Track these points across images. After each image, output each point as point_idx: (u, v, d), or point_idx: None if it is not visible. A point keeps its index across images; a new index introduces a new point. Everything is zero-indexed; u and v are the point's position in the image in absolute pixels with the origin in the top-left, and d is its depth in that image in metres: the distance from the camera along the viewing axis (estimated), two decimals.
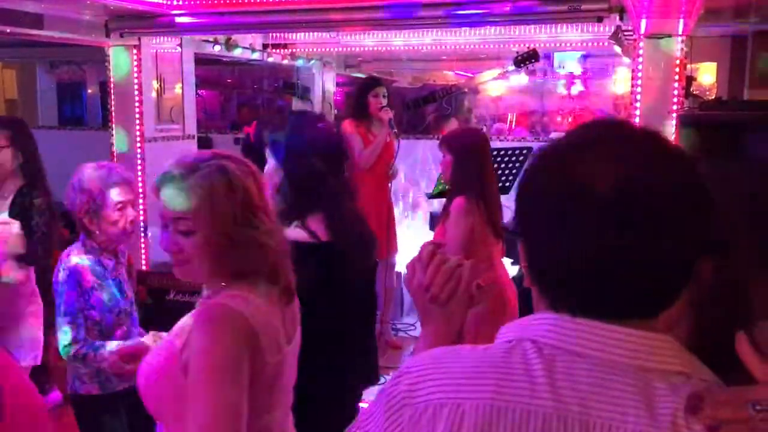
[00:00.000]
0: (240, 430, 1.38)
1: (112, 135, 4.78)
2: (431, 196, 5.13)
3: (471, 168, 3.25)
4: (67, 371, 2.63)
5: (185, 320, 1.59)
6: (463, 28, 5.45)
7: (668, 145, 0.87)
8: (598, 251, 0.80)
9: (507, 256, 4.59)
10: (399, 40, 6.01)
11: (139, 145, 4.78)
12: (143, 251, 4.75)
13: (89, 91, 10.01)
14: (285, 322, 1.59)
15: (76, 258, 2.52)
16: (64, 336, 2.46)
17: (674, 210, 0.80)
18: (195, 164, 1.53)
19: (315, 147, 2.10)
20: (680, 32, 3.48)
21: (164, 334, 2.42)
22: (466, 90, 7.77)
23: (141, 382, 1.61)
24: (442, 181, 3.89)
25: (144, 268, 4.74)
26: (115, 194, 2.51)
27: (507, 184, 4.87)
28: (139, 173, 4.62)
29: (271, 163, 2.11)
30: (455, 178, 3.30)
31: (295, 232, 2.00)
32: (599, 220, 0.79)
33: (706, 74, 5.98)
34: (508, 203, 5.61)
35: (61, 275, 2.50)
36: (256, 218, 1.53)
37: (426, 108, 6.24)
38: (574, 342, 0.83)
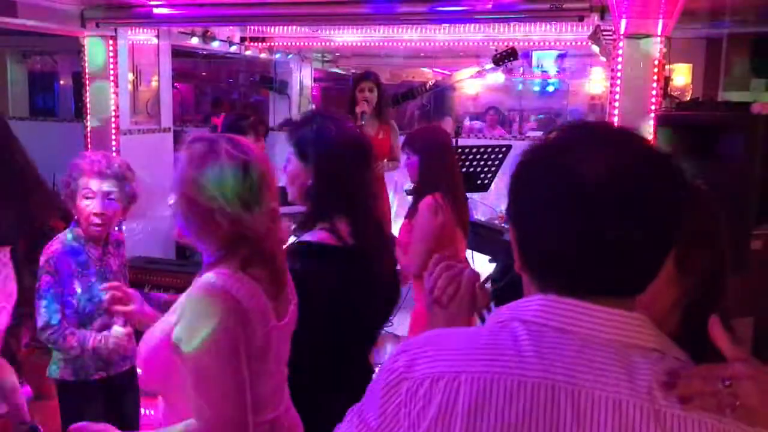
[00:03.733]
0: (246, 402, 1.49)
1: (86, 127, 4.70)
2: (409, 193, 5.13)
3: (438, 166, 3.24)
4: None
5: (180, 298, 1.62)
6: (443, 26, 5.46)
7: (645, 142, 0.96)
8: (584, 236, 0.88)
9: (483, 253, 4.62)
10: (378, 36, 6.00)
11: (114, 137, 4.71)
12: None
13: (61, 82, 9.84)
14: (276, 299, 1.64)
15: (59, 244, 2.53)
16: (39, 319, 2.49)
17: (653, 199, 0.89)
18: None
19: (346, 147, 2.03)
20: (659, 33, 3.51)
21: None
22: (445, 87, 7.78)
23: (140, 359, 1.67)
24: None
25: None
26: (85, 182, 2.49)
27: (486, 181, 4.88)
28: None
29: (295, 163, 2.03)
30: (423, 177, 3.27)
31: (319, 234, 1.96)
32: (586, 208, 0.88)
33: (680, 75, 6.06)
34: (485, 201, 5.68)
35: (42, 259, 2.51)
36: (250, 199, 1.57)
37: (406, 105, 6.23)
38: (560, 320, 0.91)
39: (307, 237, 1.98)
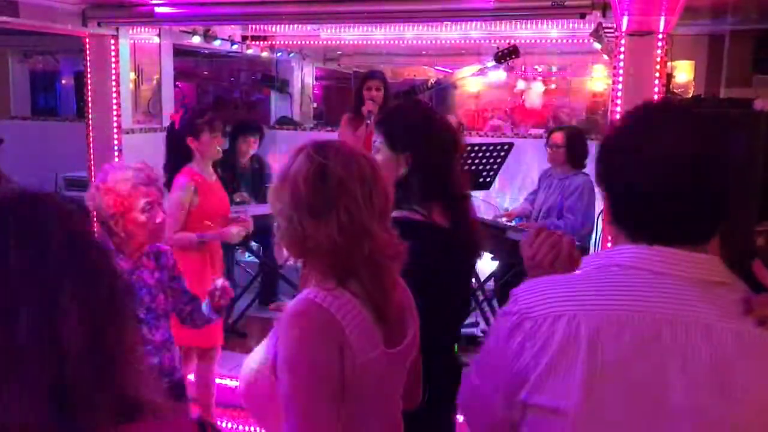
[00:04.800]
0: (334, 426, 1.37)
1: (89, 126, 4.70)
2: None
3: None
4: None
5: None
6: (444, 23, 5.46)
7: (709, 120, 1.17)
8: (672, 198, 1.11)
9: (484, 251, 4.61)
10: (380, 34, 6.00)
11: (116, 136, 4.71)
12: None
13: (63, 81, 9.84)
14: (385, 322, 1.49)
15: None
16: None
17: (717, 165, 1.12)
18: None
19: (439, 135, 2.03)
20: (661, 30, 3.50)
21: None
22: (447, 85, 7.77)
23: (240, 387, 1.58)
24: None
25: None
26: (143, 194, 2.42)
27: (488, 179, 4.88)
28: None
29: (387, 154, 2.01)
30: None
31: (410, 214, 1.93)
32: (668, 172, 1.10)
33: (683, 72, 6.06)
34: (488, 198, 5.68)
35: None
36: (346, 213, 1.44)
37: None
38: (652, 264, 1.11)
39: (396, 214, 1.92)
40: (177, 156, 3.57)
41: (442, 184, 1.99)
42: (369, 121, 4.45)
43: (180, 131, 3.57)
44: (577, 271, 1.25)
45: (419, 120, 2.04)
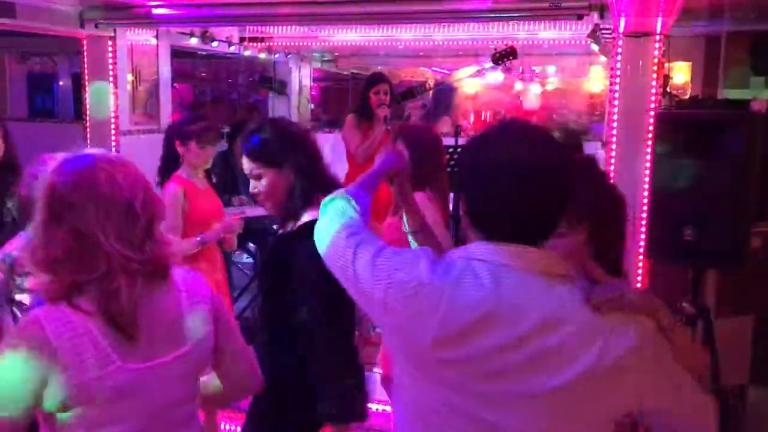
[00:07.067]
0: None
1: (86, 128, 4.70)
2: None
3: (429, 164, 3.24)
4: None
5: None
6: (442, 25, 5.46)
7: (545, 137, 1.34)
8: (505, 201, 1.29)
9: None
10: (377, 35, 6.00)
11: (113, 138, 4.71)
12: None
13: (61, 83, 9.83)
14: (132, 338, 1.48)
15: None
16: None
17: (544, 178, 1.29)
18: None
19: (304, 136, 2.26)
20: (659, 31, 3.51)
21: None
22: (444, 86, 7.77)
23: None
24: None
25: None
26: None
27: None
28: None
29: (271, 175, 2.17)
30: (414, 174, 3.26)
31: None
32: (504, 183, 1.28)
33: (680, 73, 6.06)
34: None
35: None
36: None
37: (404, 104, 6.23)
38: (500, 258, 1.29)
39: (307, 218, 2.08)
40: (169, 159, 3.56)
41: (329, 179, 2.17)
42: (388, 126, 4.54)
43: (169, 133, 3.56)
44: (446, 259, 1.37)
45: (278, 132, 2.18)
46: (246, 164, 2.18)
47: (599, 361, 1.23)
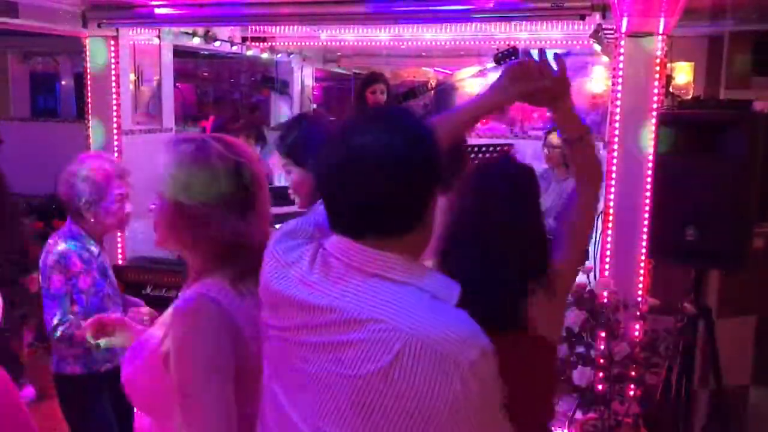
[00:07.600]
0: (232, 424, 1.36)
1: (89, 127, 4.71)
2: None
3: (447, 168, 3.24)
4: (52, 353, 2.70)
5: (166, 312, 1.56)
6: (444, 25, 5.45)
7: (393, 125, 1.22)
8: (331, 196, 1.23)
9: None
10: (379, 35, 6.00)
11: (116, 137, 4.72)
12: (120, 246, 4.69)
13: (63, 82, 9.85)
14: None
15: (64, 244, 2.59)
16: (53, 318, 2.53)
17: (366, 178, 1.18)
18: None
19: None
20: (661, 31, 3.51)
21: (152, 312, 2.44)
22: (446, 86, 7.77)
23: (125, 376, 1.57)
24: None
25: (121, 262, 4.68)
26: (116, 186, 2.60)
27: None
28: None
29: (297, 172, 2.16)
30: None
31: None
32: (330, 179, 1.22)
33: (682, 74, 6.05)
34: None
35: (50, 259, 2.57)
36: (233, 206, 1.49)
37: (406, 105, 6.23)
38: (331, 248, 1.24)
39: None
40: None
41: None
42: None
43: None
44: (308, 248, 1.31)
45: (315, 133, 2.13)
46: (278, 159, 2.23)
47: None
